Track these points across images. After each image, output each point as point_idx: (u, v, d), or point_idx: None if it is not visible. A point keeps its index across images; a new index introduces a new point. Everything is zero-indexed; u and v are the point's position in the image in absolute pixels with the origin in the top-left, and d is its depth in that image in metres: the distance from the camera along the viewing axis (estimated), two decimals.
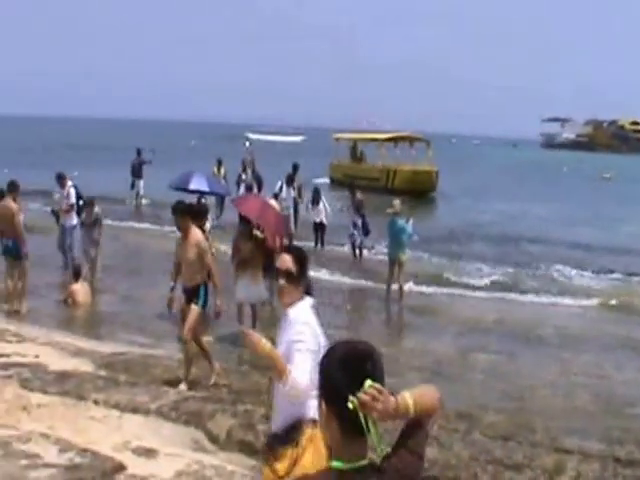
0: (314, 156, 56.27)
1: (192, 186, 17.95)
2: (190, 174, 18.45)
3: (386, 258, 18.74)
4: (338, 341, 2.81)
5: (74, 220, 19.38)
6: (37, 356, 11.84)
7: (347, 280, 20.12)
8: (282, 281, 5.16)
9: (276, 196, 24.06)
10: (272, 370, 5.11)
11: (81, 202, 19.51)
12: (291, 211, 24.62)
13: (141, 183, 32.57)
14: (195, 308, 10.67)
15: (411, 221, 18.19)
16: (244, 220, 14.14)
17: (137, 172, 32.62)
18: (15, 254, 15.31)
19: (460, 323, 16.03)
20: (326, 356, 2.78)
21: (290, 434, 5.00)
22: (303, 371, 4.85)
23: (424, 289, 19.15)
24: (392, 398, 2.71)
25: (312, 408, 5.03)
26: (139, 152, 32.91)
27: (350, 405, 2.63)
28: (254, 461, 8.28)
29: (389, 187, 40.15)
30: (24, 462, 7.65)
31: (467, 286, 19.78)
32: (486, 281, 20.53)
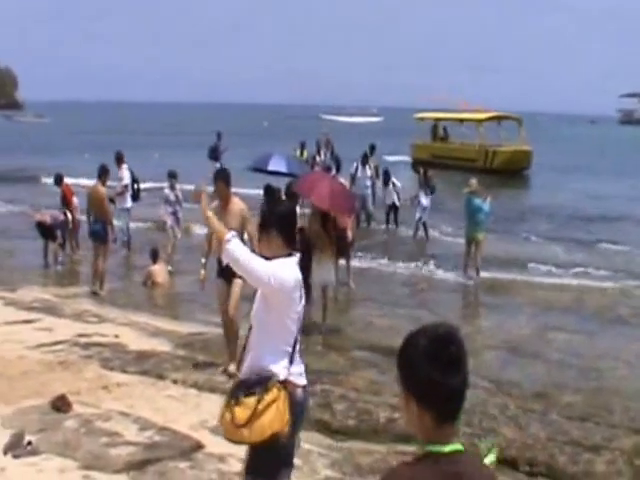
0: (391, 137, 56.01)
1: (271, 167, 17.67)
2: (269, 154, 18.17)
3: (455, 239, 18.61)
4: (416, 330, 2.63)
5: (128, 202, 19.59)
6: (117, 336, 12.10)
7: (418, 261, 19.82)
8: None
9: (353, 177, 24.04)
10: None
11: (136, 185, 19.73)
12: (368, 191, 24.56)
13: (218, 166, 32.38)
14: (239, 282, 10.03)
15: (489, 199, 18.03)
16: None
17: (214, 155, 32.60)
18: (101, 238, 15.61)
19: (536, 303, 15.83)
20: (408, 348, 2.60)
21: (256, 387, 5.01)
22: (241, 248, 5.13)
23: (500, 269, 18.92)
24: None
25: (283, 368, 5.13)
26: (219, 136, 32.78)
27: None
28: (331, 440, 8.38)
29: (487, 167, 39.69)
30: (105, 440, 7.83)
31: (545, 265, 19.50)
32: (563, 261, 20.23)
